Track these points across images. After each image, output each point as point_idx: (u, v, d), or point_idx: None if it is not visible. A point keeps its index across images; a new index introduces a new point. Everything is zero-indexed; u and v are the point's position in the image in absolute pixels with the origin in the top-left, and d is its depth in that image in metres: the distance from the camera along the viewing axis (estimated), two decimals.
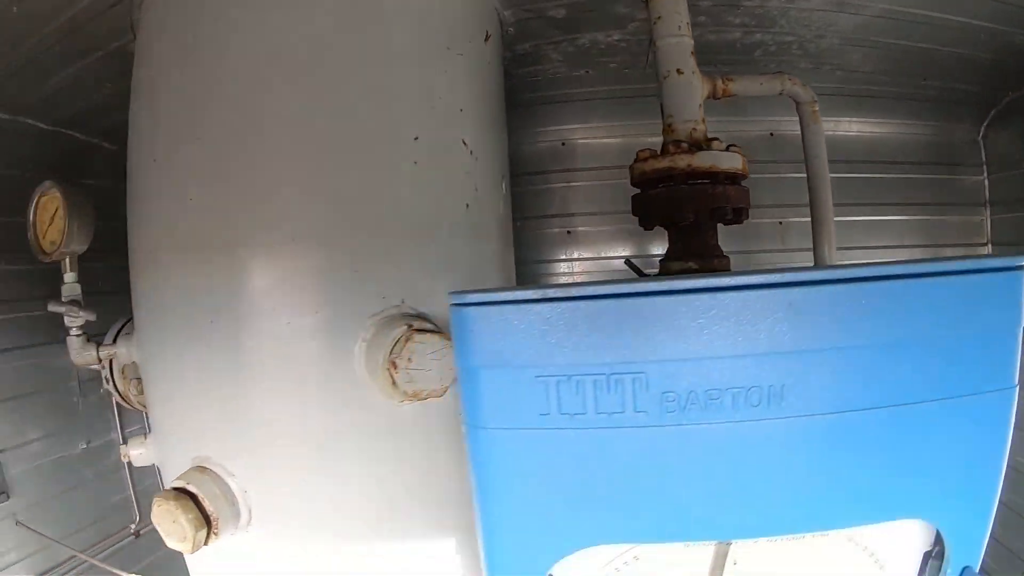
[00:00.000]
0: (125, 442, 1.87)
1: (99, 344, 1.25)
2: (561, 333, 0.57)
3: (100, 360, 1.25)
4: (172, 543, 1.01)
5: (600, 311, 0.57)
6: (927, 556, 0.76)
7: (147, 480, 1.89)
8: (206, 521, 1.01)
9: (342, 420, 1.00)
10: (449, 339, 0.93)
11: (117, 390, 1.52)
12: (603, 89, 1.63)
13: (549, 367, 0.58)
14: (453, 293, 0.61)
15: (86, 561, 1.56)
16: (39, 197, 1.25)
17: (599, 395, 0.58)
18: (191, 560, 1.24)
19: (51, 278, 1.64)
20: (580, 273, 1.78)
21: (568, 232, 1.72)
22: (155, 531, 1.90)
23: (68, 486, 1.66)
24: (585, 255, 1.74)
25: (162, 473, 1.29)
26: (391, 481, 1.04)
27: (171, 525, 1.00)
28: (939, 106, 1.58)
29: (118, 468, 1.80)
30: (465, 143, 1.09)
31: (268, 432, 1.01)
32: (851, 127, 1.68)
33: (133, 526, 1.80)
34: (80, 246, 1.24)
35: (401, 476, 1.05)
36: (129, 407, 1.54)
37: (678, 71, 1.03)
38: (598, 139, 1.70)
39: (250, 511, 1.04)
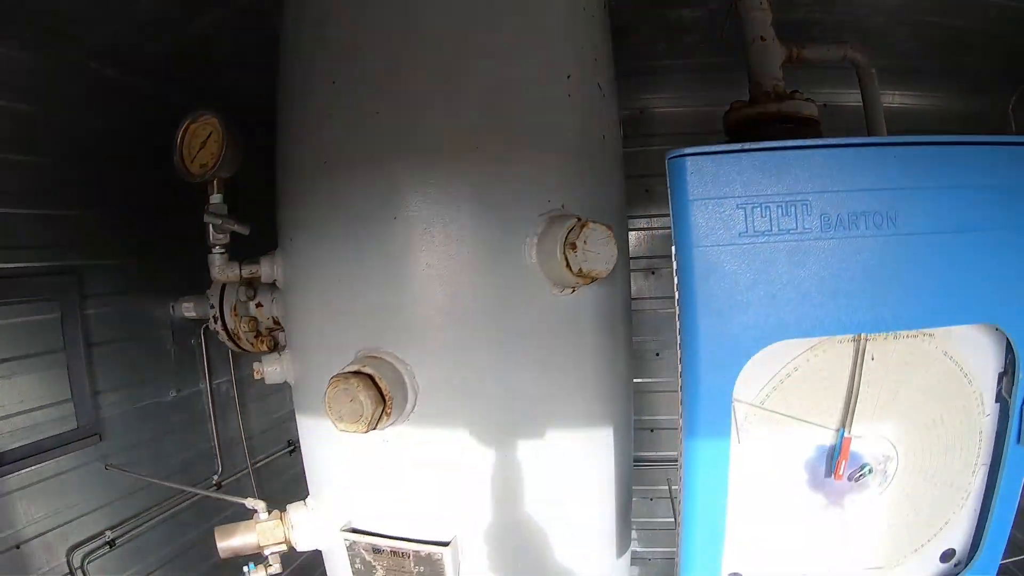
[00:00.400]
0: (212, 394, 2.10)
1: (241, 261, 1.53)
2: (755, 174, 0.92)
3: (242, 276, 1.51)
4: (344, 426, 1.23)
5: (780, 158, 0.93)
6: (1001, 375, 1.14)
7: (230, 432, 2.08)
8: (382, 400, 1.28)
9: (508, 310, 1.26)
10: (612, 230, 1.29)
11: (226, 328, 1.77)
12: (678, 63, 2.06)
13: (745, 198, 0.92)
14: (671, 151, 1.00)
15: (170, 509, 1.73)
16: (189, 124, 1.53)
17: (779, 217, 0.92)
18: (329, 459, 1.46)
19: (147, 228, 1.92)
20: (658, 228, 2.24)
21: (646, 191, 2.18)
22: (236, 483, 2.10)
23: (156, 433, 1.86)
24: (663, 212, 2.23)
25: (297, 387, 1.53)
26: (544, 369, 1.33)
27: (348, 405, 1.24)
28: (972, 81, 2.07)
29: (204, 419, 2.00)
30: (600, 86, 1.50)
31: (438, 322, 1.28)
32: (893, 99, 2.19)
33: (215, 477, 1.98)
34: (228, 171, 1.53)
35: (554, 364, 1.34)
36: (235, 347, 1.78)
37: (761, 38, 1.48)
38: (672, 108, 2.16)
39: (416, 395, 1.30)
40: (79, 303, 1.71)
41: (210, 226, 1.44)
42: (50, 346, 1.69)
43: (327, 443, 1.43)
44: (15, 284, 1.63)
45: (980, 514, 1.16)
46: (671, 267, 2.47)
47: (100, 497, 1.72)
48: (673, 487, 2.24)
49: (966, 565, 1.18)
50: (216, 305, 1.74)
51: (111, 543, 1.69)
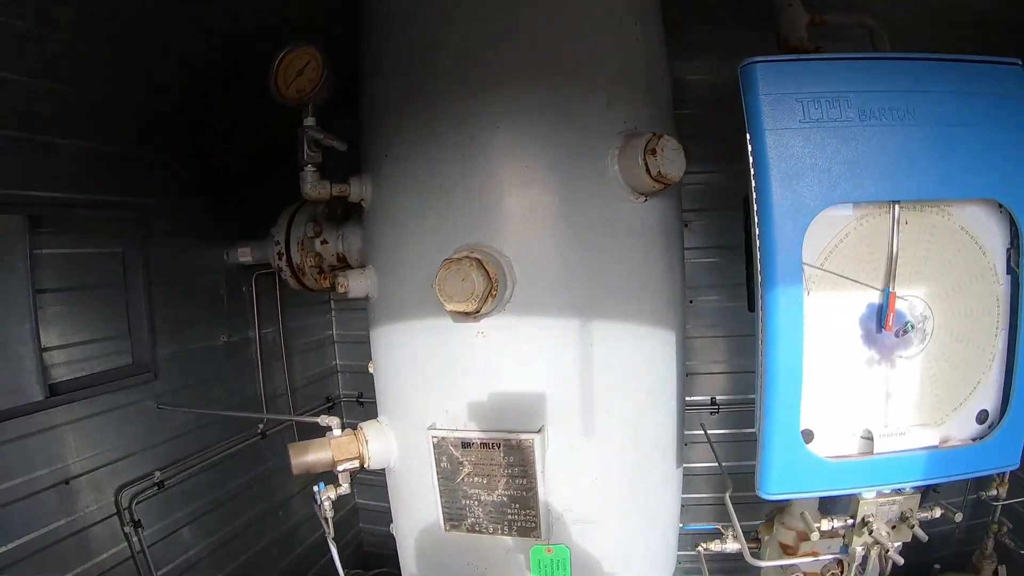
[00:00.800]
0: (260, 342, 2.35)
1: (332, 181, 1.88)
2: (809, 75, 1.37)
3: (332, 194, 1.86)
4: (454, 305, 1.54)
5: (827, 66, 1.39)
6: (1008, 250, 1.63)
7: (275, 382, 2.29)
8: (489, 280, 1.61)
9: (592, 213, 1.67)
10: (680, 145, 1.75)
11: (291, 264, 2.09)
12: (708, 35, 2.64)
13: (800, 92, 1.40)
14: (744, 61, 1.48)
15: (219, 453, 1.92)
16: (285, 54, 1.92)
17: (827, 109, 1.39)
18: (414, 365, 1.76)
19: (208, 174, 2.23)
20: (690, 184, 2.78)
21: None
22: (282, 433, 2.30)
23: (205, 377, 2.09)
24: (694, 170, 2.76)
25: (381, 300, 1.85)
26: (620, 268, 1.71)
27: (459, 284, 1.56)
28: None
29: (251, 367, 2.24)
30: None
31: (532, 219, 1.65)
32: None
33: (260, 426, 2.18)
34: (322, 99, 1.93)
35: (628, 265, 1.73)
36: (297, 284, 2.08)
37: (789, 4, 2.10)
38: (699, 76, 2.75)
39: (514, 284, 1.67)
40: (142, 240, 1.99)
41: (304, 144, 1.80)
42: (109, 280, 1.95)
43: (413, 348, 1.76)
44: (81, 215, 1.92)
45: (1006, 376, 1.61)
46: (702, 221, 2.98)
47: (150, 437, 1.91)
48: (709, 431, 2.61)
49: (998, 424, 1.61)
50: (282, 241, 2.08)
51: (160, 484, 1.88)
